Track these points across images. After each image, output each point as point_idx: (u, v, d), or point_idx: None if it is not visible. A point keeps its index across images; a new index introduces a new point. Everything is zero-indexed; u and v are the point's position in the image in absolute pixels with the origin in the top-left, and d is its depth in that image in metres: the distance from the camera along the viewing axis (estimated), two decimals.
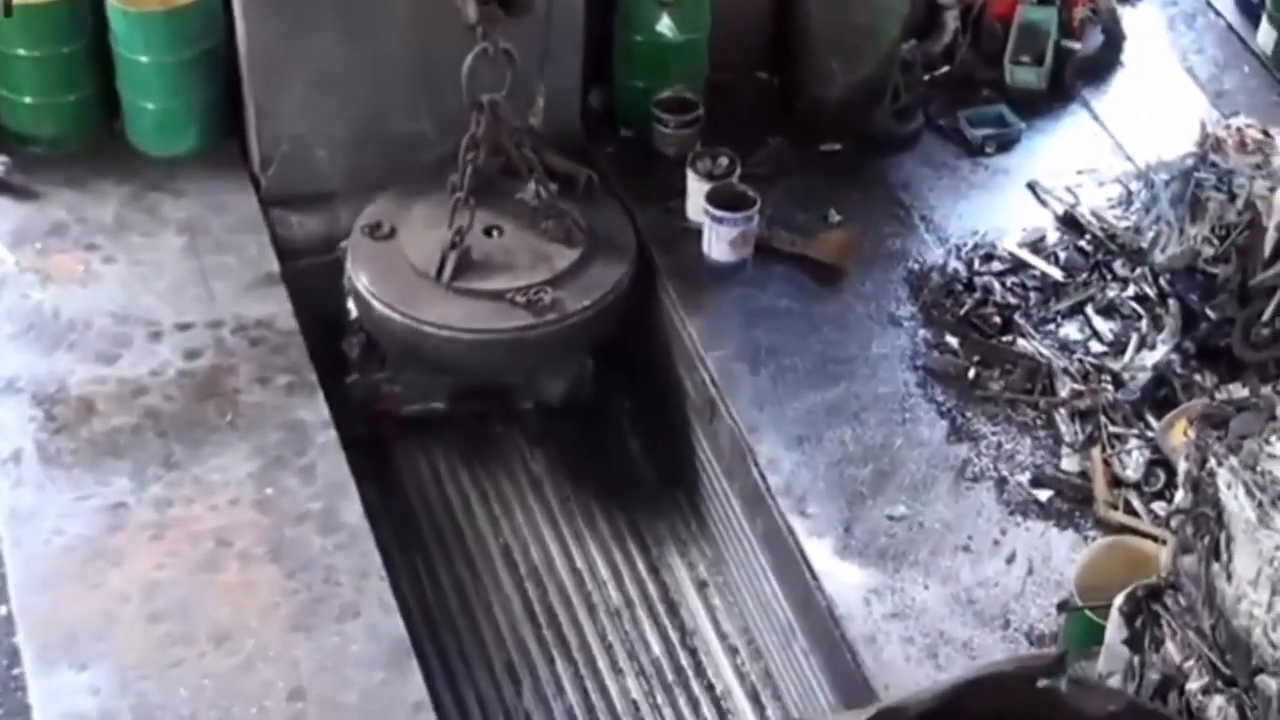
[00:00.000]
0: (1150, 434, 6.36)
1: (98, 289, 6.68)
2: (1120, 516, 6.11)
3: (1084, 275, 7.05)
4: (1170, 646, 4.91)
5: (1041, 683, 4.48)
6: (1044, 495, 6.19)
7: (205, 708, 5.39)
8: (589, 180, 7.05)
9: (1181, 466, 4.99)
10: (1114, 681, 4.99)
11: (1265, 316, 6.60)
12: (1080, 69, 8.06)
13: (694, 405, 6.75)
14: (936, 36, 7.92)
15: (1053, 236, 7.24)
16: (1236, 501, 4.63)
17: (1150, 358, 6.67)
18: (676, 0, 7.29)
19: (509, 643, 6.49)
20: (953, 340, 6.75)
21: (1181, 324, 6.78)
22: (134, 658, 5.50)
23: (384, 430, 7.05)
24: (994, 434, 6.41)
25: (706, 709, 6.38)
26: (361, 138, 7.10)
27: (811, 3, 7.49)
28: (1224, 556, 4.71)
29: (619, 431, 7.26)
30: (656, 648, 6.54)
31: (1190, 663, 4.84)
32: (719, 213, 6.84)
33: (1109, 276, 7.05)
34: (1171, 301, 6.87)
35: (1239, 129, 7.05)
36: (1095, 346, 6.78)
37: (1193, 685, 4.81)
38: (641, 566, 6.80)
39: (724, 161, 7.07)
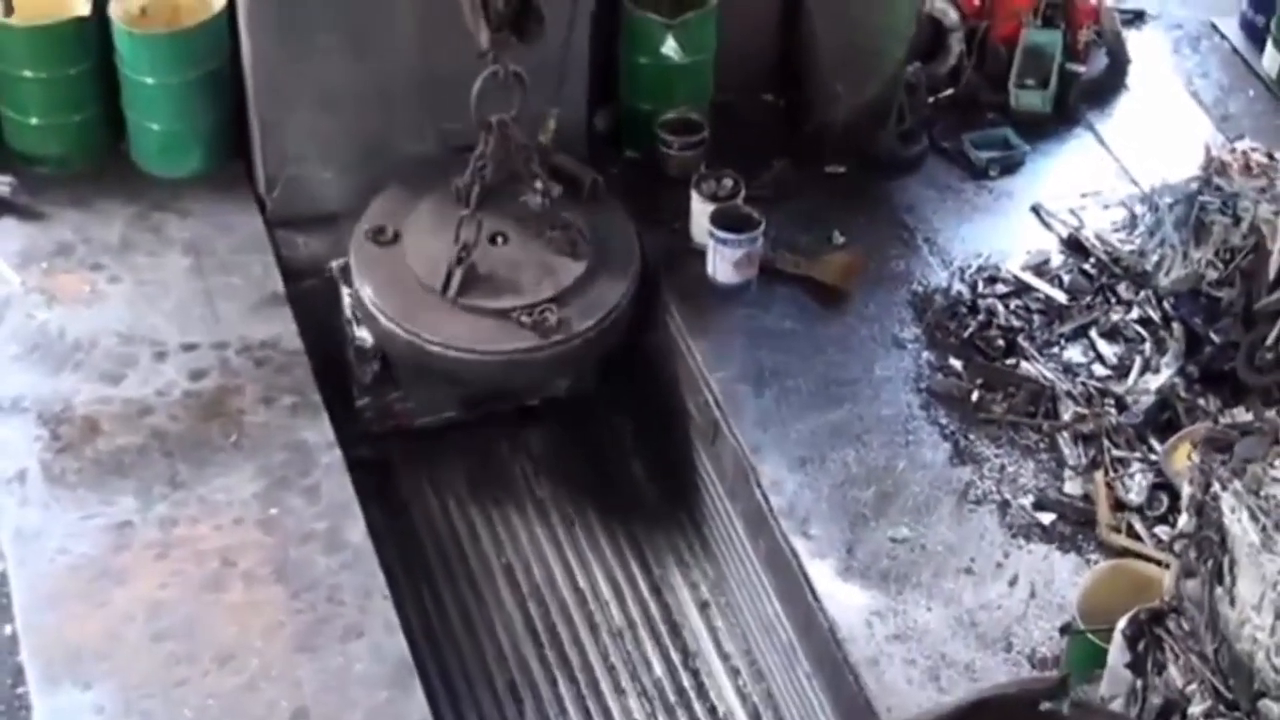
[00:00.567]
0: (1154, 458, 6.36)
1: (103, 309, 6.69)
2: (1123, 540, 6.10)
3: (1088, 298, 7.05)
4: (1173, 670, 4.90)
5: (1044, 706, 4.49)
6: (1047, 518, 6.19)
7: None
8: (594, 183, 7.03)
9: (1185, 490, 5.00)
10: (1116, 705, 4.99)
11: (1269, 340, 6.59)
12: (1085, 92, 8.05)
13: (697, 426, 6.76)
14: (941, 59, 7.91)
15: (1057, 259, 7.24)
16: (1240, 526, 4.63)
17: (1154, 381, 6.67)
18: (682, 22, 7.31)
19: (511, 663, 6.49)
20: (956, 363, 6.75)
21: (1185, 347, 6.77)
22: (138, 677, 5.51)
23: (394, 446, 7.05)
24: (997, 457, 6.41)
25: None
26: (367, 158, 7.10)
27: (817, 25, 7.49)
28: (1227, 581, 4.71)
29: (622, 452, 7.25)
30: (659, 668, 6.54)
31: (1193, 687, 4.83)
32: (723, 234, 6.85)
33: (1113, 300, 7.05)
34: (1175, 325, 6.86)
35: (1244, 152, 7.06)
36: (1099, 370, 6.78)
37: (1195, 709, 4.81)
38: (644, 587, 6.80)
39: (728, 183, 7.07)
